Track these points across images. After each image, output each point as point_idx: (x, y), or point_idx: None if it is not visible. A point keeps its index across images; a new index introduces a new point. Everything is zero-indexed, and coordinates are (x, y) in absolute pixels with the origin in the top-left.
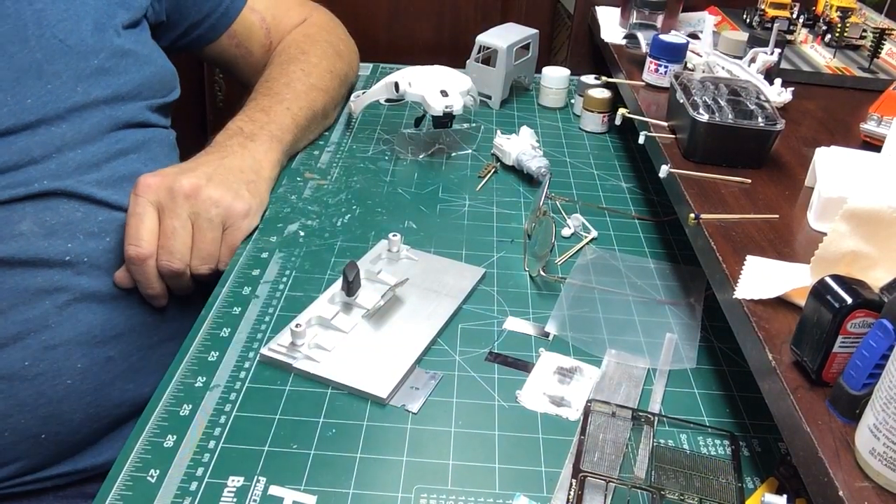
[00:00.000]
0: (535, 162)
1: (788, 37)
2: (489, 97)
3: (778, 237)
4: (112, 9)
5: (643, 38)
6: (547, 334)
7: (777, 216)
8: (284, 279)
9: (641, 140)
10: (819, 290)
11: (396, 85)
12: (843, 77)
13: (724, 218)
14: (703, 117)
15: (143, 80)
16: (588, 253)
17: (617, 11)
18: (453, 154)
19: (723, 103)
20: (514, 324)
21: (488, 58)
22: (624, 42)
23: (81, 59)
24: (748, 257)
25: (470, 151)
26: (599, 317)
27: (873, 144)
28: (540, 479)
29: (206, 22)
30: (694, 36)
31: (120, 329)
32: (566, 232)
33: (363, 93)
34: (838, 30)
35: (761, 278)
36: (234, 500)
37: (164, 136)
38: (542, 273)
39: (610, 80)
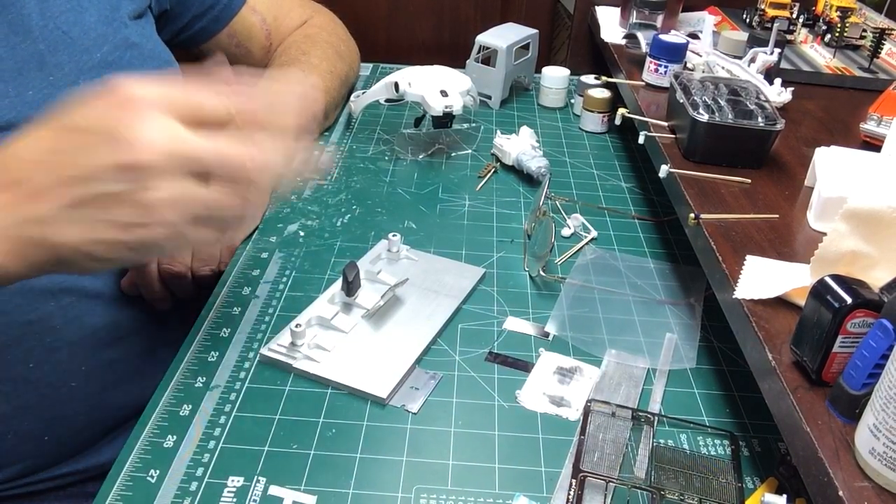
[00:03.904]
0: (535, 162)
1: (788, 37)
2: (489, 97)
3: (778, 237)
4: (116, 0)
5: (643, 38)
6: (547, 334)
7: (777, 216)
8: (284, 279)
9: (641, 140)
10: (819, 290)
11: (396, 85)
12: (843, 77)
13: (724, 218)
14: (703, 117)
15: (147, 75)
16: (588, 253)
17: (617, 11)
18: (453, 154)
19: (723, 103)
20: (514, 324)
21: (488, 58)
22: (624, 42)
23: (84, 52)
24: (748, 257)
25: (470, 151)
26: (599, 317)
27: (873, 144)
28: (540, 479)
29: (209, 14)
30: (694, 36)
31: (124, 331)
32: (566, 232)
33: (363, 93)
34: (838, 30)
35: (761, 278)
36: (234, 500)
37: None
38: (541, 273)
39: (610, 80)
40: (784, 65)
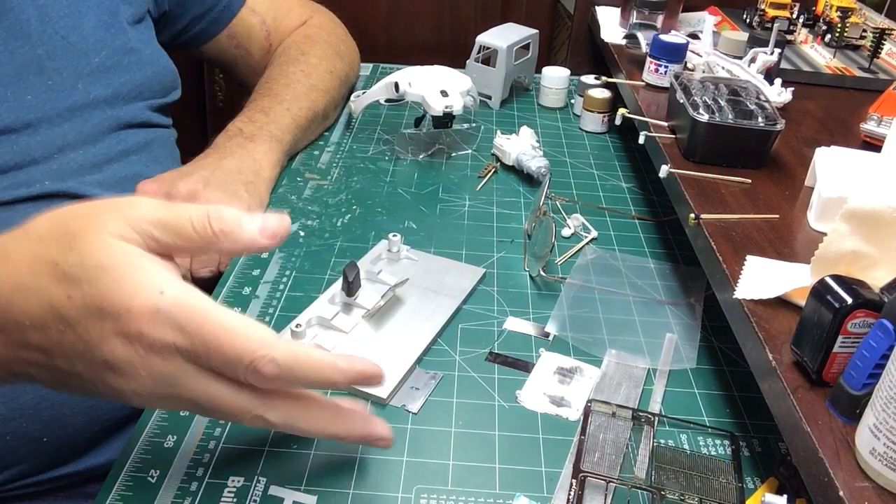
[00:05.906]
0: (535, 162)
1: (788, 37)
2: (489, 97)
3: (778, 237)
4: (115, 5)
5: (643, 38)
6: (547, 334)
7: (777, 216)
8: (284, 279)
9: (641, 140)
10: (819, 290)
11: (396, 85)
12: (843, 77)
13: (724, 218)
14: (703, 117)
15: (145, 80)
16: (588, 253)
17: (617, 11)
18: (453, 154)
19: (723, 103)
20: (514, 324)
21: (488, 58)
22: (624, 42)
23: (82, 57)
24: (748, 257)
25: (470, 151)
26: (599, 317)
27: (873, 144)
28: (540, 479)
29: (209, 15)
30: (694, 36)
31: None
32: (566, 232)
33: (363, 93)
34: (838, 30)
35: (761, 278)
36: (234, 500)
37: (165, 136)
38: (542, 273)
39: (610, 80)
40: (784, 65)
